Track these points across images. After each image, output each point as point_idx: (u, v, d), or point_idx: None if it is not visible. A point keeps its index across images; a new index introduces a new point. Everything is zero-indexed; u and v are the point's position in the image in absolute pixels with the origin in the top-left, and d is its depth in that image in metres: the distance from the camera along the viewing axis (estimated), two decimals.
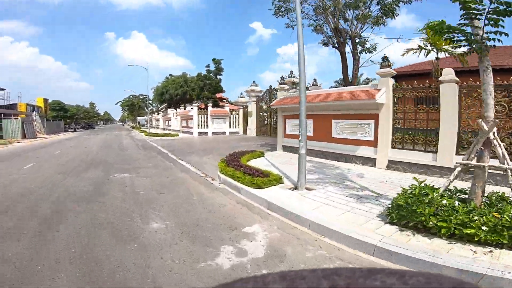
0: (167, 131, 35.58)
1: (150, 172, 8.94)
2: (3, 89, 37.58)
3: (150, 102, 49.21)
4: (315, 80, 16.36)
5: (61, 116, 41.81)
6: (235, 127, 27.36)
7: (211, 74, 33.95)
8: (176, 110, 36.43)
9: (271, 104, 13.83)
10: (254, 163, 8.68)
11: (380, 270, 0.23)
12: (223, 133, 27.05)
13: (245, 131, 26.22)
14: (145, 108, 51.97)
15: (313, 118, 10.32)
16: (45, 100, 41.44)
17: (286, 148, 12.25)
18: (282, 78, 16.78)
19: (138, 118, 74.27)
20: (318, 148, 10.30)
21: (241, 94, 27.46)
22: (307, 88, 10.13)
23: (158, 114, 51.32)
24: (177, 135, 28.05)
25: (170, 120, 38.97)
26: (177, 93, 36.41)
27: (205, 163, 10.21)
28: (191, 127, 27.91)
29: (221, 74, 36.29)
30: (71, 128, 45.84)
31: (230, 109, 27.66)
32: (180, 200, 5.56)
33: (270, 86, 21.56)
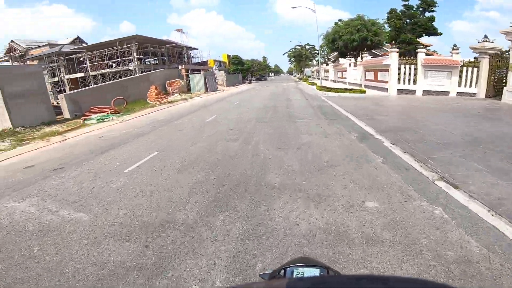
0: (340, 84, 28.05)
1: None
2: (196, 49, 43.17)
3: (321, 50, 42.50)
4: None
5: (239, 69, 44.38)
6: (469, 86, 15.49)
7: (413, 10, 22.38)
8: (355, 59, 27.55)
9: None
10: None
11: (365, 276, 0.22)
12: (445, 93, 16.11)
13: (490, 93, 14.19)
14: (312, 59, 46.12)
15: None
16: (228, 56, 44.55)
17: None
18: None
19: (305, 69, 70.78)
20: None
21: (485, 37, 14.40)
22: None
23: (327, 64, 44.09)
24: (363, 91, 20.02)
25: (345, 71, 30.79)
26: (353, 39, 27.12)
27: None
28: (385, 82, 18.79)
29: (433, 10, 23.07)
30: (247, 80, 48.66)
31: (461, 61, 15.68)
32: None
33: None
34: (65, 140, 9.48)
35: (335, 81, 34.73)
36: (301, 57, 46.32)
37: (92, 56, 31.68)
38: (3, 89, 12.51)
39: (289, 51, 48.84)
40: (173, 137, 8.00)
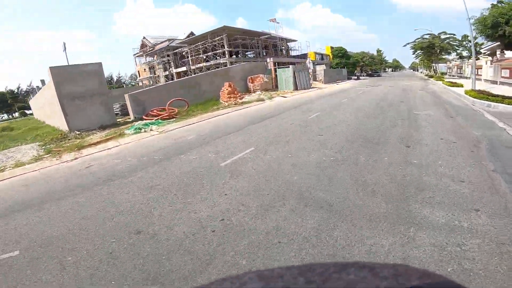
0: (507, 87, 17.34)
1: None
2: (294, 40, 38.17)
3: (466, 39, 29.64)
4: None
5: (344, 63, 36.57)
6: None
7: None
8: None
9: None
10: None
11: (353, 263, 0.23)
12: None
13: None
14: (451, 51, 32.55)
15: None
16: (331, 48, 37.50)
17: None
18: None
19: (437, 65, 54.55)
20: None
21: None
22: None
23: (478, 58, 30.42)
24: None
25: None
26: None
27: None
28: None
29: None
30: (355, 76, 40.18)
31: None
32: None
33: None
34: (63, 162, 6.89)
35: (494, 82, 22.68)
36: (432, 49, 33.62)
37: (191, 50, 32.02)
38: (59, 89, 11.57)
39: (414, 41, 36.48)
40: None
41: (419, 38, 32.38)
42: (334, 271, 0.22)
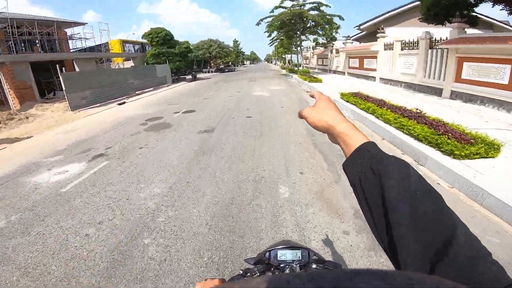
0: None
1: None
2: (81, 24, 20.72)
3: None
4: None
5: (168, 54, 22.08)
6: None
7: None
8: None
9: None
10: None
11: (364, 271, 0.22)
12: None
13: None
14: (325, 27, 22.12)
15: None
16: (150, 35, 21.93)
17: None
18: None
19: (293, 56, 49.51)
20: None
21: None
22: None
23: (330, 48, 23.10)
24: None
25: (371, 58, 10.14)
26: None
27: None
28: None
29: None
30: (193, 74, 24.92)
31: None
32: None
33: None
34: None
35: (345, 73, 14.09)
36: (293, 26, 21.04)
37: None
38: None
39: (271, 15, 23.06)
40: None
41: (277, 7, 21.33)
42: (345, 279, 0.21)
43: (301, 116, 0.59)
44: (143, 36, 21.99)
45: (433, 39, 10.08)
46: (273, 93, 12.49)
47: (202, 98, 12.17)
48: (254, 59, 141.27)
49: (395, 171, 0.40)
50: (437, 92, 9.55)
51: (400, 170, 0.41)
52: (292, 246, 0.78)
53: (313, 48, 31.10)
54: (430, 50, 10.05)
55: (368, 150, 0.45)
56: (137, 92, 17.17)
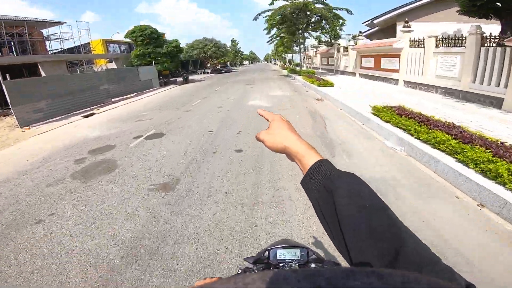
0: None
1: None
2: (58, 23, 18.15)
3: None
4: None
5: (154, 54, 19.47)
6: None
7: None
8: None
9: None
10: None
11: (360, 270, 0.23)
12: None
13: None
14: (331, 21, 18.46)
15: None
16: (134, 34, 19.32)
17: None
18: None
19: (291, 55, 47.48)
20: None
21: None
22: None
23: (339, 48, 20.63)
24: None
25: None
26: None
27: None
28: None
29: None
30: (184, 75, 22.60)
31: None
32: None
33: None
34: None
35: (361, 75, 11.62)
36: (296, 20, 18.18)
37: None
38: None
39: (270, 9, 19.35)
40: None
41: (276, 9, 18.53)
42: (341, 276, 0.21)
43: (258, 139, 0.60)
44: (126, 35, 19.40)
45: (485, 35, 7.59)
46: (275, 101, 9.96)
47: (182, 111, 9.64)
48: (253, 59, 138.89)
49: (345, 188, 0.43)
50: (495, 102, 7.08)
51: (350, 187, 0.43)
52: (291, 246, 0.78)
53: (316, 46, 28.57)
54: (483, 49, 7.55)
55: (320, 169, 0.47)
56: (113, 100, 14.66)
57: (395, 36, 16.45)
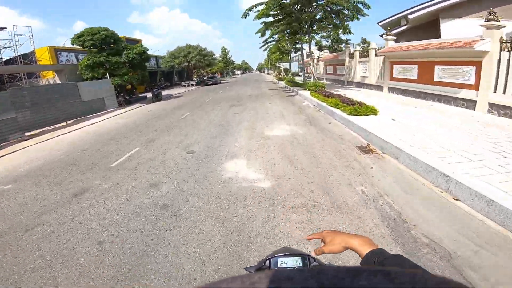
0: None
1: None
2: None
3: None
4: None
5: (112, 63, 14.59)
6: None
7: None
8: None
9: None
10: None
11: (366, 269, 0.22)
12: None
13: None
14: (352, 14, 13.11)
15: None
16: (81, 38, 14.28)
17: None
18: None
19: (285, 64, 42.88)
20: None
21: None
22: None
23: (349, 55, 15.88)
24: None
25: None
26: None
27: None
28: None
29: None
30: (155, 89, 18.97)
31: None
32: None
33: None
34: None
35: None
36: (299, 14, 11.92)
37: None
38: None
39: (262, 2, 14.17)
40: None
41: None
42: (347, 275, 0.21)
43: (324, 253, 0.74)
44: (73, 40, 14.37)
45: None
46: (279, 171, 5.03)
47: (98, 181, 4.70)
48: (245, 68, 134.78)
49: (392, 263, 0.55)
50: None
51: (395, 262, 0.55)
52: (292, 253, 0.78)
53: (319, 51, 24.04)
54: None
55: (375, 254, 0.61)
56: (27, 134, 9.53)
57: (439, 36, 11.85)
